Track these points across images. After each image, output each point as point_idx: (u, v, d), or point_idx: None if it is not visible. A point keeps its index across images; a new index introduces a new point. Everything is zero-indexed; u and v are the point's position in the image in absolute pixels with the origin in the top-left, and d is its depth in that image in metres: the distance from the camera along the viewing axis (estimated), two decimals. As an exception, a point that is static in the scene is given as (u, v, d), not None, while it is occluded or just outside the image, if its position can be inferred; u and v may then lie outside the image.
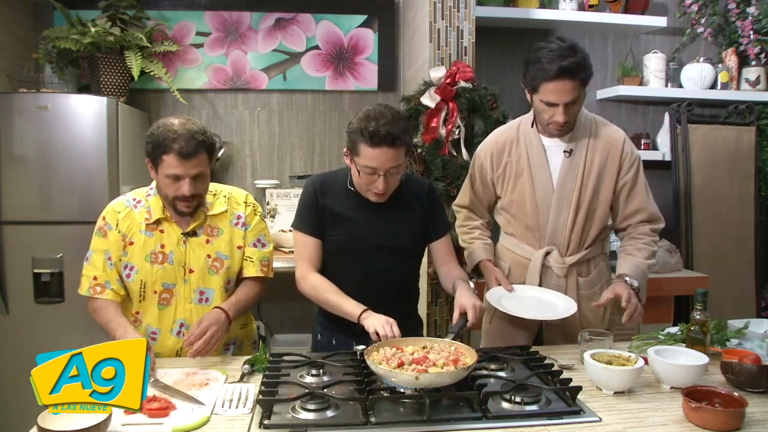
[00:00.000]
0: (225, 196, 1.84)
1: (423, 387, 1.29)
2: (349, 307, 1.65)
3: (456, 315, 1.63)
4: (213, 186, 1.82)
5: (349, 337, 1.71)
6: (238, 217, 1.83)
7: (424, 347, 1.47)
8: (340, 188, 1.80)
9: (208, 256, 1.77)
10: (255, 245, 1.84)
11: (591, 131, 1.84)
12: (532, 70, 1.72)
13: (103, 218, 1.78)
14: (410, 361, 1.36)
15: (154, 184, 1.79)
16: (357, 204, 1.77)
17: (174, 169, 1.64)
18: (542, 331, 1.94)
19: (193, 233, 1.77)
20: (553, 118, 1.74)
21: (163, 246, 1.74)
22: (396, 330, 1.53)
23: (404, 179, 1.83)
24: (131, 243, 1.74)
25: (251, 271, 1.83)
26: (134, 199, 1.79)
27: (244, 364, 1.57)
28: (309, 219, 1.79)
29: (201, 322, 1.64)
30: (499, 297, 1.82)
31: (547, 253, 1.88)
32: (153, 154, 1.66)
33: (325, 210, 1.78)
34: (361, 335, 1.60)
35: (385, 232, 1.77)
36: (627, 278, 1.78)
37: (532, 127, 1.87)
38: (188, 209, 1.72)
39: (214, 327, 1.63)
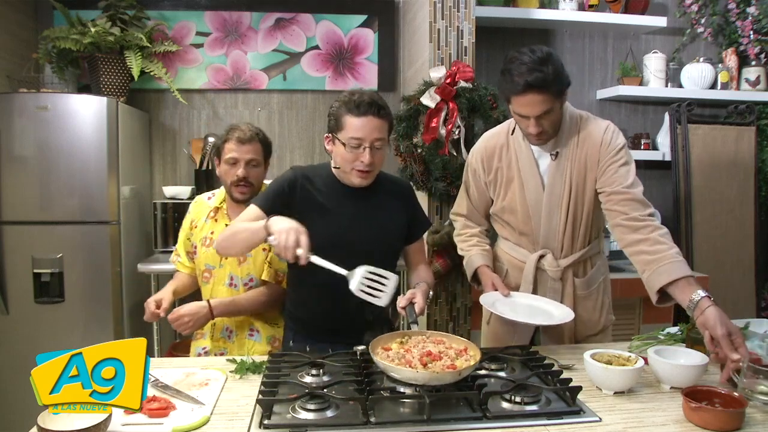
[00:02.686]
0: None
1: (447, 382, 1.33)
2: (255, 225, 1.57)
3: (403, 304, 1.59)
4: None
5: (324, 343, 1.66)
6: None
7: (401, 342, 1.50)
8: (323, 180, 1.75)
9: None
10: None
11: (576, 131, 1.80)
12: (504, 83, 1.70)
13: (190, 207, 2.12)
14: (422, 360, 1.37)
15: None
16: (340, 197, 1.73)
17: (232, 153, 1.89)
18: (538, 334, 1.93)
19: None
20: (527, 129, 1.72)
21: (212, 232, 1.98)
22: (303, 241, 1.47)
23: (385, 177, 1.80)
24: (196, 227, 2.04)
25: (265, 275, 1.94)
26: (212, 193, 2.08)
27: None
28: (269, 201, 1.69)
29: (181, 309, 1.85)
30: (493, 301, 1.79)
31: (541, 257, 1.86)
32: (218, 151, 1.94)
33: (298, 202, 1.70)
34: (335, 339, 1.59)
35: (366, 228, 1.72)
36: (701, 293, 1.46)
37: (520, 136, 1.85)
38: (243, 196, 1.91)
39: (186, 318, 1.84)
